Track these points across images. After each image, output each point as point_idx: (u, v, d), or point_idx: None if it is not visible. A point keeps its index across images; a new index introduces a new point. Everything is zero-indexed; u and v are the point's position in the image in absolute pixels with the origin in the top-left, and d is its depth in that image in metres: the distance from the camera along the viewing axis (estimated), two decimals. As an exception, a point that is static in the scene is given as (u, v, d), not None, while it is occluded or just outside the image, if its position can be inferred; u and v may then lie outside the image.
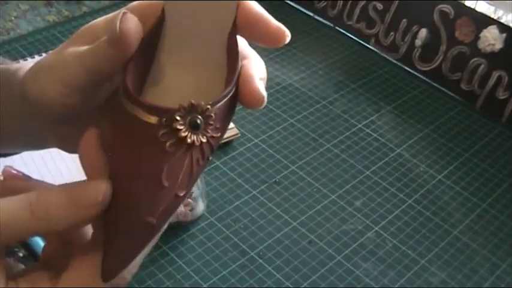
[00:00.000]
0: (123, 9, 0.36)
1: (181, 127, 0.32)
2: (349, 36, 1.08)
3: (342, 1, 1.08)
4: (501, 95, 0.91)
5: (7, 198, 0.35)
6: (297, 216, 0.75)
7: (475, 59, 0.93)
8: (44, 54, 0.92)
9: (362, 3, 1.05)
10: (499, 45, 0.91)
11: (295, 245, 0.71)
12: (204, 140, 0.33)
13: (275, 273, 0.68)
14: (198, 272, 0.67)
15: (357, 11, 1.06)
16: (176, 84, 0.38)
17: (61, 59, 0.37)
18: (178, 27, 0.38)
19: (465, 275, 0.69)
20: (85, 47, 0.36)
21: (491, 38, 0.91)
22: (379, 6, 1.03)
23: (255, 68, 0.40)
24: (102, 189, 0.35)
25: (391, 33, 1.03)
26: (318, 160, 0.83)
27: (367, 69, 1.01)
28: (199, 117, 0.33)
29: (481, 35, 0.92)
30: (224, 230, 0.72)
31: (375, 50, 1.05)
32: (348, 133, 0.88)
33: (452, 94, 0.97)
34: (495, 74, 0.92)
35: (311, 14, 1.13)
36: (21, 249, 0.78)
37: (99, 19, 0.38)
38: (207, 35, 0.38)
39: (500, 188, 0.81)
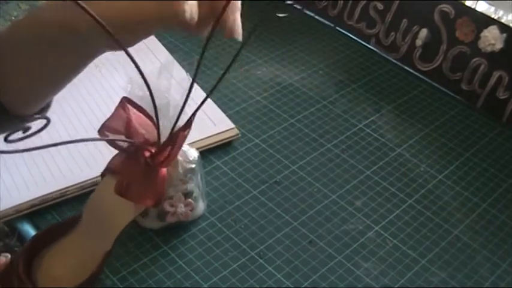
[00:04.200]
0: None
1: None
2: (349, 36, 1.08)
3: (342, 1, 1.08)
4: (501, 95, 0.91)
5: None
6: (297, 216, 0.75)
7: (476, 59, 0.93)
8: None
9: (362, 3, 1.05)
10: (499, 45, 0.91)
11: (295, 245, 0.71)
12: None
13: (275, 273, 0.68)
14: (198, 272, 0.67)
15: (358, 11, 1.06)
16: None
17: None
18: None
19: (465, 274, 0.69)
20: None
21: (491, 38, 0.91)
22: (380, 6, 1.03)
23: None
24: None
25: (392, 33, 1.03)
26: (319, 160, 0.83)
27: (368, 69, 1.01)
28: None
29: (482, 35, 0.92)
30: (224, 230, 0.72)
31: (376, 50, 1.05)
32: (348, 133, 0.88)
33: (452, 94, 0.97)
34: (495, 74, 0.92)
35: (311, 14, 1.13)
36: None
37: None
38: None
39: (500, 187, 0.81)
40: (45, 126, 0.46)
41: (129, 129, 0.53)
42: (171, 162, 0.56)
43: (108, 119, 0.53)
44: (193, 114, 0.51)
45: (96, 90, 0.87)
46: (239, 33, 0.49)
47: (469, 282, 0.68)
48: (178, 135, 0.51)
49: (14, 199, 0.71)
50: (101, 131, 0.53)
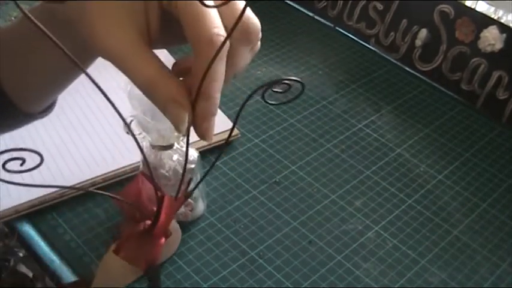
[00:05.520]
0: None
1: None
2: (349, 37, 1.08)
3: (342, 1, 1.08)
4: (501, 95, 0.91)
5: None
6: (297, 216, 0.75)
7: (475, 59, 0.93)
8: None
9: (362, 3, 1.05)
10: (499, 45, 0.91)
11: (295, 245, 0.71)
12: None
13: (275, 273, 0.68)
14: (198, 272, 0.67)
15: (357, 11, 1.06)
16: None
17: None
18: None
19: (465, 275, 0.69)
20: None
21: (491, 38, 0.91)
22: (379, 6, 1.03)
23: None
24: None
25: (391, 33, 1.03)
26: (318, 160, 0.83)
27: (367, 69, 1.01)
28: None
29: (481, 35, 0.92)
30: (224, 230, 0.72)
31: (375, 50, 1.05)
32: (348, 133, 0.88)
33: (452, 94, 0.97)
34: (495, 74, 0.92)
35: (311, 14, 1.13)
36: (22, 250, 0.78)
37: None
38: None
39: (500, 187, 0.81)
40: (40, 164, 0.47)
41: (139, 201, 0.57)
42: (173, 230, 0.60)
43: (124, 189, 0.58)
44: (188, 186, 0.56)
45: (95, 91, 0.87)
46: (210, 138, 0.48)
47: (468, 283, 0.68)
48: (163, 203, 0.53)
49: (14, 199, 0.71)
50: (116, 201, 0.56)
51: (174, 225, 0.62)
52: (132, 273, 0.59)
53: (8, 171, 0.46)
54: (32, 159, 0.44)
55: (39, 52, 0.52)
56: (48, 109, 0.59)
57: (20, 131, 0.78)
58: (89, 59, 0.53)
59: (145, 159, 0.49)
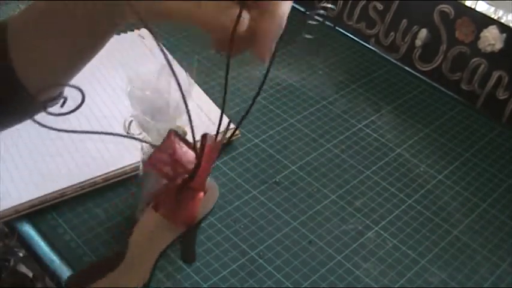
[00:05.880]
0: None
1: None
2: (349, 36, 1.08)
3: (342, 1, 1.08)
4: (501, 95, 0.91)
5: None
6: (297, 216, 0.75)
7: (475, 59, 0.93)
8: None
9: (362, 3, 1.05)
10: (499, 45, 0.91)
11: (295, 245, 0.71)
12: None
13: (275, 273, 0.68)
14: (198, 272, 0.67)
15: (357, 11, 1.06)
16: None
17: None
18: None
19: (465, 275, 0.69)
20: None
21: (491, 38, 0.91)
22: (379, 6, 1.03)
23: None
24: None
25: (391, 33, 1.03)
26: (318, 160, 0.83)
27: (367, 69, 1.01)
28: None
29: (481, 35, 0.92)
30: (224, 230, 0.72)
31: (375, 50, 1.05)
32: (348, 133, 0.88)
33: (452, 94, 0.97)
34: (495, 74, 0.92)
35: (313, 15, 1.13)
36: (22, 250, 0.78)
37: None
38: None
39: (500, 188, 0.81)
40: (82, 101, 0.49)
41: (174, 157, 0.55)
42: (210, 187, 0.58)
43: (155, 150, 0.56)
44: (219, 127, 0.52)
45: (95, 91, 0.87)
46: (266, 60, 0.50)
47: (468, 283, 0.68)
48: (203, 152, 0.52)
49: (14, 199, 0.71)
50: (148, 161, 0.55)
51: (210, 183, 0.60)
52: (171, 232, 0.57)
53: (50, 113, 0.48)
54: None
55: (54, 34, 0.54)
56: (56, 99, 0.60)
57: (21, 132, 0.78)
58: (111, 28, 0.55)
59: (183, 98, 0.48)
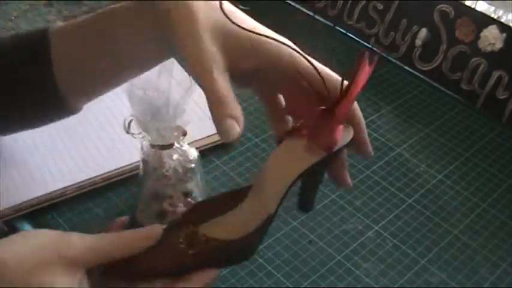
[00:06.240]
0: None
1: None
2: (349, 36, 1.08)
3: (342, 1, 1.08)
4: (501, 94, 0.91)
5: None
6: (296, 215, 0.75)
7: (475, 58, 0.93)
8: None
9: (362, 3, 1.05)
10: (499, 45, 0.91)
11: (295, 245, 0.71)
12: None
13: (275, 272, 0.68)
14: (198, 272, 0.67)
15: (357, 10, 1.06)
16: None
17: None
18: None
19: (465, 275, 0.69)
20: None
21: (491, 38, 0.91)
22: (379, 6, 1.03)
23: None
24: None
25: (391, 33, 1.03)
26: (318, 160, 0.83)
27: (367, 69, 1.01)
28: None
29: (481, 34, 0.92)
30: (224, 229, 0.72)
31: (375, 49, 1.05)
32: (348, 133, 0.88)
33: (452, 94, 0.97)
34: (495, 74, 0.92)
35: (311, 13, 1.13)
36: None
37: None
38: None
39: (500, 187, 0.81)
40: None
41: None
42: (345, 127, 0.59)
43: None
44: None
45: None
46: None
47: (468, 283, 0.68)
48: (358, 71, 0.56)
49: (14, 199, 0.71)
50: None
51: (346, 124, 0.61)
52: (311, 155, 0.56)
53: None
54: None
55: (110, 51, 0.60)
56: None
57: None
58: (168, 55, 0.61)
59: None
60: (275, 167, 0.57)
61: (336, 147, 0.57)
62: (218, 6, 0.53)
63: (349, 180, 0.63)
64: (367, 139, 0.62)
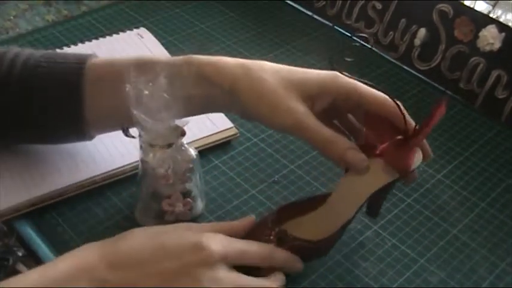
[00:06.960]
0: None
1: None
2: (348, 36, 1.08)
3: (340, 0, 1.08)
4: (500, 94, 0.91)
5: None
6: (296, 215, 0.75)
7: (474, 58, 0.93)
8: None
9: (361, 2, 1.05)
10: (498, 45, 0.91)
11: (294, 244, 0.71)
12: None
13: (274, 272, 0.68)
14: (198, 271, 0.67)
15: (356, 10, 1.06)
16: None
17: None
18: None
19: (464, 274, 0.69)
20: None
21: (490, 37, 0.91)
22: (378, 5, 1.03)
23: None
24: None
25: (390, 32, 1.03)
26: (317, 159, 0.83)
27: (366, 69, 1.01)
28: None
29: (480, 34, 0.92)
30: (223, 229, 0.72)
31: (374, 49, 1.05)
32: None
33: (451, 93, 0.97)
34: (494, 73, 0.92)
35: (310, 13, 1.13)
36: (21, 249, 0.78)
37: None
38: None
39: (499, 187, 0.81)
40: None
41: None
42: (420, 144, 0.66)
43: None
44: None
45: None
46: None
47: (467, 282, 0.68)
48: (434, 114, 0.63)
49: (13, 198, 0.71)
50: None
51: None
52: (387, 175, 0.64)
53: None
54: None
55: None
56: None
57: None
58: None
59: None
60: (353, 183, 0.65)
61: (411, 169, 0.64)
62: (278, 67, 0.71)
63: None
64: (429, 148, 0.68)
